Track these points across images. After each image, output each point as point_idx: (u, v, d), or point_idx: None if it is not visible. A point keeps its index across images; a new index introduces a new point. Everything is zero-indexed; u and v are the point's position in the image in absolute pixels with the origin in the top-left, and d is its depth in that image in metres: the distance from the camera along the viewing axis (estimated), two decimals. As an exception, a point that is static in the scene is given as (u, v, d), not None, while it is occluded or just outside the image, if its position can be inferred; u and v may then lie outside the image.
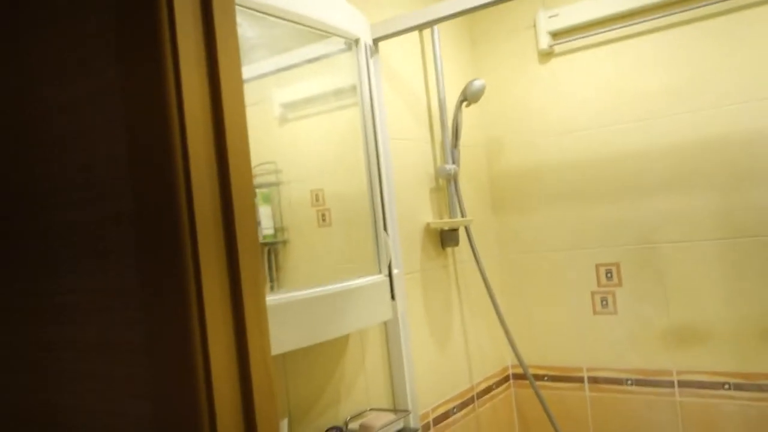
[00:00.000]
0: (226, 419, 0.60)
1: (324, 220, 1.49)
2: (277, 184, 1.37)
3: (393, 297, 1.49)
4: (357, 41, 1.55)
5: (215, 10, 0.63)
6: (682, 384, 2.01)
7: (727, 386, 1.94)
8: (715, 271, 1.95)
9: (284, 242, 1.38)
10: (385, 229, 1.52)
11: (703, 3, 1.92)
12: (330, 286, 1.32)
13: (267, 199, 1.34)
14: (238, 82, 0.67)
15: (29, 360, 0.76)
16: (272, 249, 1.33)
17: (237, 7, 0.80)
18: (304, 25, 1.39)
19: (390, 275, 1.51)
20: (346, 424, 1.55)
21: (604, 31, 2.09)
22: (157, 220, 0.61)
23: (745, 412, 1.92)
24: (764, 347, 1.89)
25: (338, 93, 1.61)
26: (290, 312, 1.21)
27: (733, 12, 1.90)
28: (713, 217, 1.95)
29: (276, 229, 1.35)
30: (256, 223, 0.68)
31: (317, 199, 1.48)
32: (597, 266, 2.14)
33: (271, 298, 1.17)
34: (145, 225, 0.62)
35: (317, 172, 1.49)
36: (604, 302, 2.14)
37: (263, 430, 0.63)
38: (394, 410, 1.66)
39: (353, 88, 1.58)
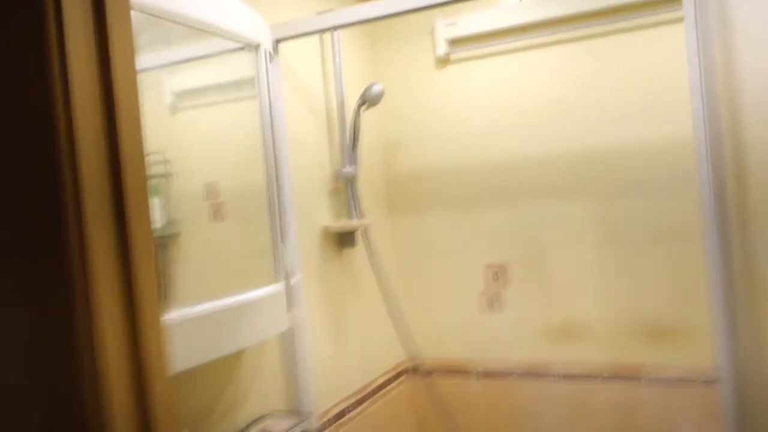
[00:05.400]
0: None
1: (217, 214, 1.46)
2: (165, 175, 1.32)
3: (289, 308, 1.49)
4: (257, 47, 1.52)
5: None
6: (562, 376, 2.16)
7: (599, 378, 2.11)
8: (592, 273, 2.11)
9: (174, 235, 1.33)
10: (282, 240, 1.52)
11: (589, 23, 2.05)
12: (226, 300, 1.29)
13: (156, 191, 1.29)
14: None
15: None
16: (161, 244, 1.28)
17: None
18: (202, 30, 1.35)
19: (288, 285, 1.51)
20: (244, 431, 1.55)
21: (499, 43, 2.18)
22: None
23: (612, 398, 2.09)
24: (632, 341, 2.07)
25: (236, 84, 1.57)
26: (184, 330, 1.18)
27: (616, 33, 2.04)
28: (592, 222, 2.10)
29: (166, 222, 1.30)
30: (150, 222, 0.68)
31: (211, 192, 1.45)
32: (486, 267, 2.25)
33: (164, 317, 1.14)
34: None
35: (211, 165, 1.44)
36: (493, 302, 2.25)
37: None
38: (297, 411, 1.67)
39: (251, 80, 1.54)
